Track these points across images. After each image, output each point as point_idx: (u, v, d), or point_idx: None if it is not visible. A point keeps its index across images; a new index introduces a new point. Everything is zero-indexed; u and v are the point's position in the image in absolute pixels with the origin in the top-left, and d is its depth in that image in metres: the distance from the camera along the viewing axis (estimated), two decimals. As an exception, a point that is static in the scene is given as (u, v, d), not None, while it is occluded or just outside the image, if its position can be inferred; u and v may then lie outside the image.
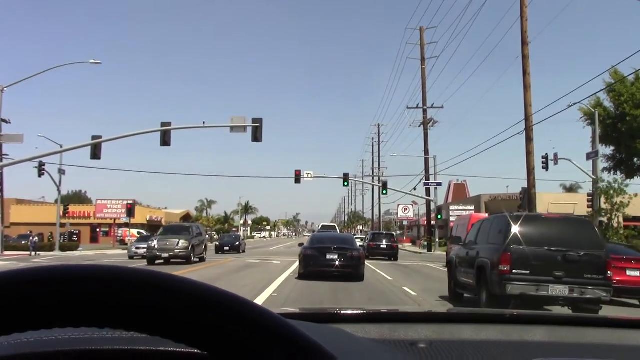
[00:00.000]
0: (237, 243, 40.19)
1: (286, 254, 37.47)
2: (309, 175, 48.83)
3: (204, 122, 27.75)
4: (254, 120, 27.49)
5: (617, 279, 13.37)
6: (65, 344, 0.92)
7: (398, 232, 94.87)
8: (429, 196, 51.06)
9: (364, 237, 46.77)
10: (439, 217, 49.45)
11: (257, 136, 27.38)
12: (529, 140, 26.08)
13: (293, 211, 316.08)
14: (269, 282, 16.10)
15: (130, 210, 47.26)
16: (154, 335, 0.59)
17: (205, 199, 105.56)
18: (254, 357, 0.59)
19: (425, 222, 57.32)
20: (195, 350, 0.61)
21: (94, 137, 27.69)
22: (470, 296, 12.18)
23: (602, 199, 20.15)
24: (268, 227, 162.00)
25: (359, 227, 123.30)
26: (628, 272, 13.93)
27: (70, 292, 0.56)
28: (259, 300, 11.56)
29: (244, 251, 40.16)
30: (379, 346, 1.19)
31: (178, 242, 25.22)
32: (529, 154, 26.15)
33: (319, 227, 57.57)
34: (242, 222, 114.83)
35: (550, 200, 46.45)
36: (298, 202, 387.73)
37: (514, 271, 10.03)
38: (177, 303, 0.58)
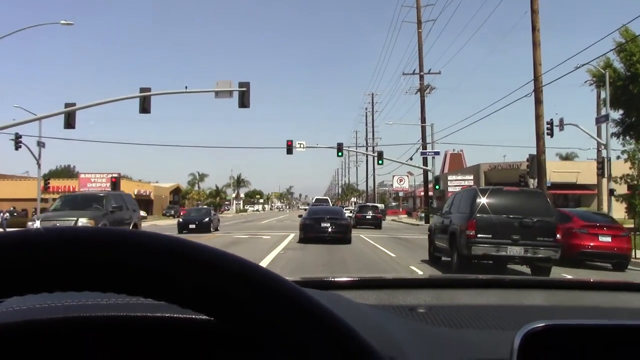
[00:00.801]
0: (207, 219, 30.93)
1: (278, 228, 35.62)
2: (302, 146, 46.79)
3: (186, 87, 25.58)
4: (241, 85, 25.36)
5: (591, 244, 14.69)
6: (64, 311, 0.89)
7: (393, 203, 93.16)
8: (426, 166, 49.23)
9: (353, 208, 51.79)
10: (437, 187, 47.64)
11: (244, 101, 25.28)
12: (538, 102, 24.07)
13: (286, 184, 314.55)
14: (255, 262, 14.19)
15: (115, 184, 44.93)
16: (159, 300, 0.57)
17: (197, 172, 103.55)
18: (263, 323, 0.58)
19: (422, 193, 55.92)
20: (203, 317, 0.59)
21: (67, 105, 25.53)
22: (446, 259, 13.60)
23: (628, 164, 18.44)
24: (261, 200, 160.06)
25: (353, 199, 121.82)
26: (600, 238, 14.78)
27: (74, 255, 0.54)
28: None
29: (216, 229, 31.67)
30: (377, 311, 1.19)
31: (76, 223, 16.69)
32: (539, 117, 24.17)
33: (313, 200, 60.52)
34: (234, 195, 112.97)
35: (552, 168, 44.77)
36: (291, 175, 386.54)
37: (478, 235, 11.73)
38: (183, 267, 0.56)
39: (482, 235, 11.73)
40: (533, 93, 24.31)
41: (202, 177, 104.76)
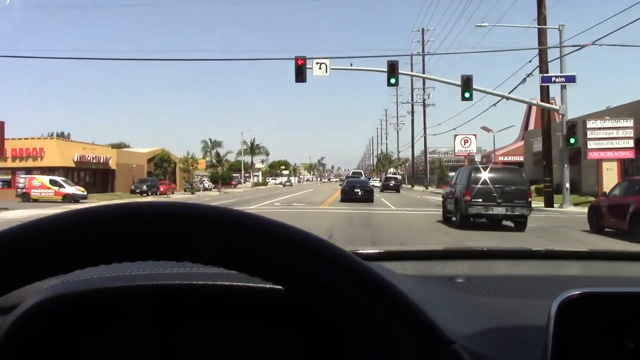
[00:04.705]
0: None
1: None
2: (322, 67, 25.62)
3: None
4: None
5: None
6: (141, 279, 0.96)
7: (451, 174, 70.95)
8: (548, 101, 27.49)
9: (379, 179, 78.05)
10: (572, 142, 26.06)
11: None
12: None
13: (317, 155, 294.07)
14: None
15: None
16: (230, 269, 0.60)
17: (209, 140, 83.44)
18: (329, 293, 0.60)
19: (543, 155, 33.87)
20: (271, 286, 0.62)
21: None
22: (453, 219, 17.77)
23: None
24: (286, 172, 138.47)
25: (392, 170, 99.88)
26: None
27: (154, 229, 0.57)
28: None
29: None
30: (418, 281, 1.24)
31: None
32: None
33: (350, 173, 71.47)
34: (250, 165, 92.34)
35: None
36: (323, 147, 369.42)
37: (472, 200, 16.22)
38: (253, 239, 0.58)
39: (475, 200, 16.20)
40: None
41: (215, 144, 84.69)
